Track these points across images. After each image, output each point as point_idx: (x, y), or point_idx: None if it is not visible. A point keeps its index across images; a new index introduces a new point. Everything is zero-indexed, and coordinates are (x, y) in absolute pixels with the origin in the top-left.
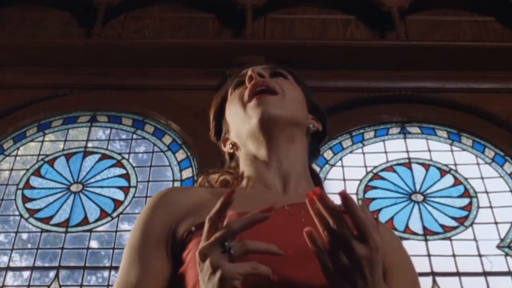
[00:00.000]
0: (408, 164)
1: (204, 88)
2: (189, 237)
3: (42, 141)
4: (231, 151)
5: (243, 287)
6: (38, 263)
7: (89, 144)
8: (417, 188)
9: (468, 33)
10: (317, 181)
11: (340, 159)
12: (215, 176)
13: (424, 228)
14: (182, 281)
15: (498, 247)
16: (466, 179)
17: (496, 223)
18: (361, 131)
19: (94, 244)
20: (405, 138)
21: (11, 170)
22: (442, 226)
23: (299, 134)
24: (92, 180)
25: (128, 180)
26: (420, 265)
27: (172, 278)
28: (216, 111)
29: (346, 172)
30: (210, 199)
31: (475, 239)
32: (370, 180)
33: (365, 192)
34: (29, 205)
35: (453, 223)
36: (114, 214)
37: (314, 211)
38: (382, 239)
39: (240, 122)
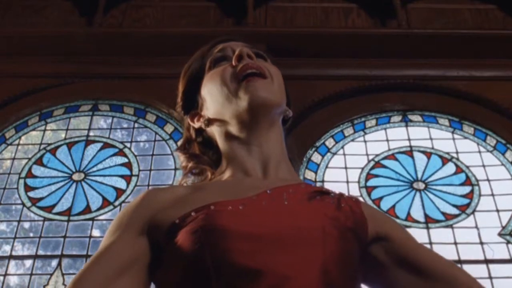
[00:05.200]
0: (409, 152)
1: None
2: (173, 230)
3: (44, 130)
4: (206, 128)
5: (218, 276)
6: (41, 252)
7: (91, 133)
8: (419, 176)
9: (470, 21)
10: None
11: (342, 147)
12: (190, 164)
13: (426, 216)
14: (168, 273)
15: (500, 234)
16: (467, 167)
17: (497, 211)
18: (363, 119)
19: (96, 232)
20: (406, 126)
21: (13, 159)
22: (443, 214)
23: (278, 119)
24: (94, 169)
25: (130, 169)
26: None
27: (154, 263)
28: (188, 84)
29: (347, 160)
30: (190, 193)
31: (476, 227)
32: (372, 168)
33: (366, 180)
34: (31, 194)
35: (454, 211)
36: (116, 203)
37: None
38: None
39: (226, 101)
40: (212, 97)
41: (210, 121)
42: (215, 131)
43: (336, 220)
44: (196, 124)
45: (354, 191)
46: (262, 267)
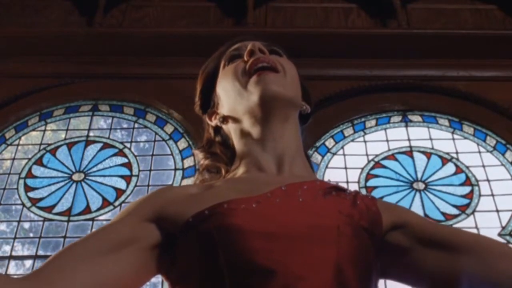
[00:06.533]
0: (409, 153)
1: None
2: (187, 228)
3: (44, 130)
4: (221, 125)
5: (231, 275)
6: (41, 252)
7: (91, 133)
8: (419, 176)
9: (470, 21)
10: (308, 161)
11: (342, 147)
12: (206, 162)
13: (426, 216)
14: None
15: (500, 235)
16: (467, 167)
17: (497, 211)
18: (363, 119)
19: None
20: (406, 126)
21: (13, 159)
22: (443, 214)
23: (293, 114)
24: (94, 169)
25: (130, 169)
26: None
27: (167, 259)
28: (204, 83)
29: (347, 160)
30: (203, 191)
31: (476, 227)
32: (372, 168)
33: (366, 180)
34: (31, 194)
35: (454, 211)
36: (116, 203)
37: None
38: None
39: (238, 97)
40: (226, 93)
41: (225, 118)
42: (230, 129)
43: (350, 217)
44: (213, 122)
45: None
46: (276, 267)
